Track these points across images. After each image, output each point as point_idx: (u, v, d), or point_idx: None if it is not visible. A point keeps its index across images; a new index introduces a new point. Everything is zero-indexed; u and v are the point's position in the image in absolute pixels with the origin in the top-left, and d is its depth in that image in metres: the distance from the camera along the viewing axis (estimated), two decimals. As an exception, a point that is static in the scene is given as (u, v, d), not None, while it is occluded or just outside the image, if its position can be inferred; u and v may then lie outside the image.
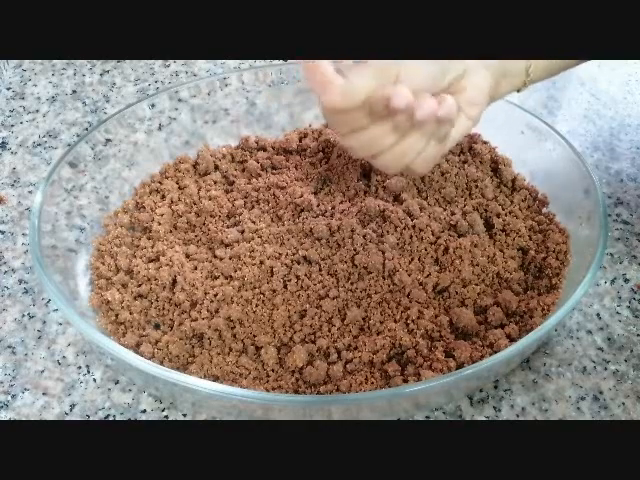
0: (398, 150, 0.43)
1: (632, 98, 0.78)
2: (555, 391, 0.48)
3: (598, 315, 0.53)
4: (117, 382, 0.48)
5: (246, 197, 0.58)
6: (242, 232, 0.54)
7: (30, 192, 0.64)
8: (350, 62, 0.42)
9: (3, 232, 0.60)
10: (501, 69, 0.47)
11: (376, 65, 0.41)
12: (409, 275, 0.50)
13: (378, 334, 0.47)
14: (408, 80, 0.41)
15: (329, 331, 0.47)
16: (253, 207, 0.57)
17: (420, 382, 0.43)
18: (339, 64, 0.41)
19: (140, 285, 0.51)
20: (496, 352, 0.45)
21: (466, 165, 0.60)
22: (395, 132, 0.42)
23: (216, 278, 0.50)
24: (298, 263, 0.50)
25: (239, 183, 0.59)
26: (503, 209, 0.57)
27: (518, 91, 0.51)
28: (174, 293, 0.50)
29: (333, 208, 0.55)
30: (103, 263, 0.53)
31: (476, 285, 0.51)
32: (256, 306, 0.48)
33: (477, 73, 0.45)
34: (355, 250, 0.51)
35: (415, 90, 0.40)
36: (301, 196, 0.56)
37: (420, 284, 0.50)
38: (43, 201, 0.51)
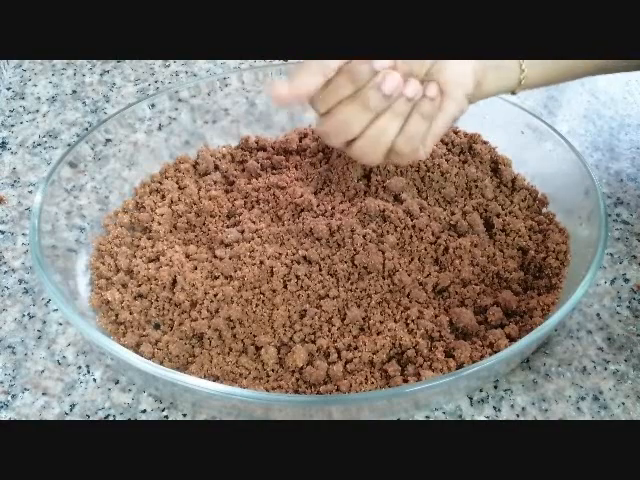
0: (372, 133, 0.43)
1: (632, 98, 0.78)
2: (555, 391, 0.48)
3: (598, 315, 0.53)
4: (117, 382, 0.48)
5: (246, 197, 0.58)
6: (242, 232, 0.54)
7: (30, 192, 0.64)
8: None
9: (3, 232, 0.60)
10: (487, 62, 0.47)
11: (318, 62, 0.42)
12: (409, 275, 0.50)
13: (378, 334, 0.47)
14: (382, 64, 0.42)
15: (329, 331, 0.47)
16: (253, 207, 0.57)
17: (420, 382, 0.43)
18: None
19: (140, 285, 0.51)
20: (496, 352, 0.45)
21: (466, 165, 0.60)
22: (366, 112, 0.42)
23: (216, 278, 0.50)
24: (298, 263, 0.50)
25: (239, 183, 0.59)
26: (503, 209, 0.57)
27: (513, 93, 0.50)
28: (174, 293, 0.50)
29: (333, 208, 0.55)
30: (103, 263, 0.53)
31: (476, 285, 0.51)
32: (256, 306, 0.48)
33: (454, 61, 0.44)
34: (355, 250, 0.51)
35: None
36: (301, 196, 0.56)
37: (420, 284, 0.50)
38: (43, 201, 0.51)
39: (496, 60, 0.47)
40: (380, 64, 0.41)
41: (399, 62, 0.42)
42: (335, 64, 0.42)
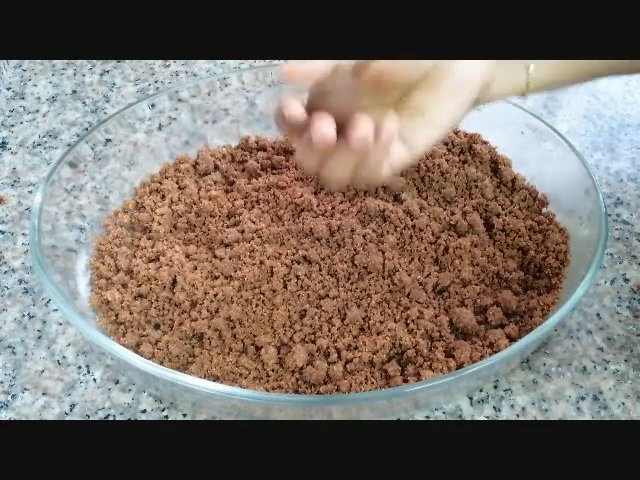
0: (327, 169, 0.41)
1: (632, 98, 0.78)
2: (555, 391, 0.48)
3: (598, 315, 0.53)
4: (117, 382, 0.48)
5: (246, 197, 0.58)
6: (242, 232, 0.54)
7: (30, 192, 0.64)
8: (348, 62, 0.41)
9: (3, 232, 0.60)
10: (496, 63, 0.44)
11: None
12: (409, 275, 0.50)
13: (378, 334, 0.47)
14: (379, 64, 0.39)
15: (329, 331, 0.47)
16: (253, 207, 0.57)
17: (420, 382, 0.43)
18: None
19: (140, 285, 0.51)
20: (496, 352, 0.45)
21: (466, 165, 0.60)
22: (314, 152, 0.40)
23: (216, 278, 0.50)
24: (298, 263, 0.50)
25: (239, 183, 0.59)
26: (503, 209, 0.57)
27: (523, 95, 0.48)
28: (174, 293, 0.50)
29: (333, 208, 0.55)
30: (103, 263, 0.53)
31: (476, 285, 0.51)
32: (256, 306, 0.48)
33: (461, 61, 0.42)
34: (355, 250, 0.51)
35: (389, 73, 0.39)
36: (301, 196, 0.56)
37: (420, 284, 0.50)
38: (43, 201, 0.51)
39: (504, 62, 0.45)
40: (293, 118, 0.38)
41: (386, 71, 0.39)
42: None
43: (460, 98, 0.43)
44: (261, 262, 0.50)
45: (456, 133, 0.63)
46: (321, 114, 0.38)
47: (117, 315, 0.49)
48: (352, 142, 0.38)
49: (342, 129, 0.39)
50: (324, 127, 0.38)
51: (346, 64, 0.40)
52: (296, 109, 0.38)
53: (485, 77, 0.44)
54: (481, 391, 0.48)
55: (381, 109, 0.42)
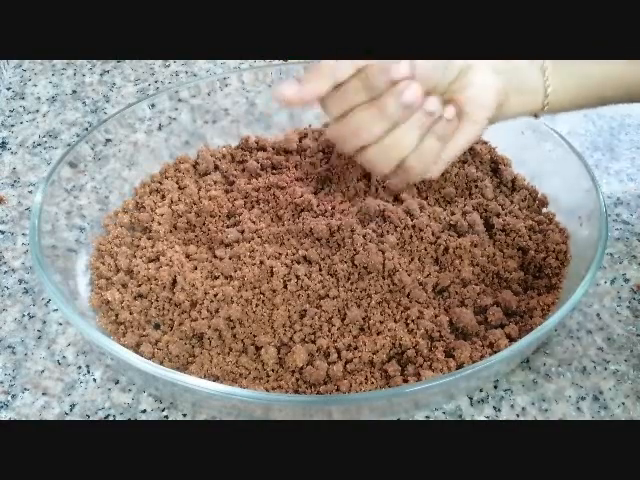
0: (387, 142, 0.42)
1: (632, 98, 0.78)
2: (555, 391, 0.48)
3: (598, 315, 0.53)
4: (117, 382, 0.48)
5: (246, 197, 0.58)
6: (242, 232, 0.54)
7: (30, 192, 0.64)
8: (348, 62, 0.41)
9: (3, 232, 0.60)
10: (514, 80, 0.45)
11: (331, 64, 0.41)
12: (409, 275, 0.50)
13: (378, 334, 0.47)
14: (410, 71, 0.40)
15: (329, 331, 0.47)
16: (253, 207, 0.57)
17: (420, 382, 0.43)
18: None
19: (140, 285, 0.51)
20: (496, 352, 0.45)
21: (466, 165, 0.60)
22: (383, 120, 0.41)
23: (216, 278, 0.50)
24: (298, 263, 0.50)
25: (239, 183, 0.59)
26: (503, 209, 0.57)
27: (536, 116, 0.48)
28: (174, 293, 0.49)
29: (333, 208, 0.55)
30: (103, 263, 0.53)
31: (476, 285, 0.51)
32: (256, 306, 0.48)
33: (484, 73, 0.43)
34: (355, 250, 0.51)
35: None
36: (301, 196, 0.56)
37: (420, 284, 0.50)
38: (43, 201, 0.51)
39: (516, 76, 0.45)
40: (399, 73, 0.39)
41: (418, 69, 0.40)
42: (348, 67, 0.40)
43: (477, 118, 0.44)
44: (261, 262, 0.50)
45: (456, 133, 0.63)
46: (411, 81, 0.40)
47: (117, 315, 0.49)
48: (405, 99, 0.39)
49: None
50: (417, 85, 0.39)
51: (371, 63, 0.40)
52: (404, 65, 0.40)
53: (500, 98, 0.44)
54: (481, 391, 0.48)
55: None
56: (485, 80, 0.43)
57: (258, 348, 0.47)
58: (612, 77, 0.47)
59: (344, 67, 0.40)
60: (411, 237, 0.52)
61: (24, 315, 0.53)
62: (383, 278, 0.50)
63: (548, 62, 0.45)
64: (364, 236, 0.52)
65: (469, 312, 0.48)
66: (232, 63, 0.83)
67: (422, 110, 0.41)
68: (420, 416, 0.47)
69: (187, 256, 0.53)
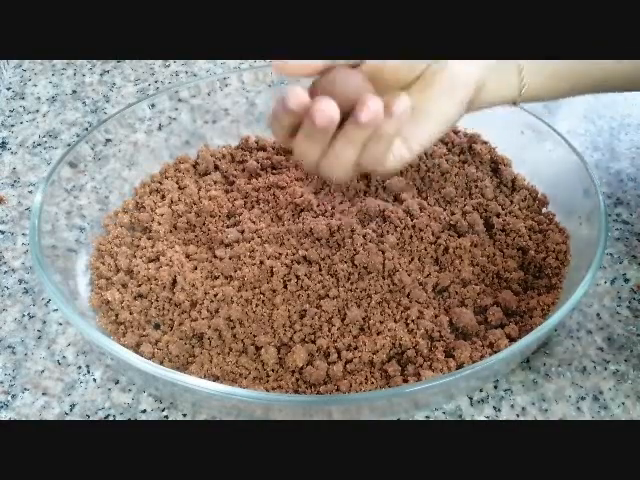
0: (328, 159, 0.40)
1: (632, 98, 0.77)
2: (555, 391, 0.48)
3: (598, 315, 0.53)
4: (117, 382, 0.48)
5: (246, 197, 0.58)
6: (242, 232, 0.54)
7: (30, 192, 0.64)
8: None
9: (3, 232, 0.60)
10: (488, 63, 0.44)
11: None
12: (409, 275, 0.50)
13: (378, 334, 0.47)
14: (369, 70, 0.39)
15: (329, 331, 0.47)
16: (253, 207, 0.57)
17: (420, 382, 0.43)
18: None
19: (140, 285, 0.51)
20: (496, 352, 0.45)
21: (466, 165, 0.60)
22: (314, 142, 0.40)
23: (216, 278, 0.50)
24: (298, 263, 0.50)
25: (239, 183, 0.59)
26: (503, 209, 0.57)
27: (515, 104, 0.48)
28: (174, 293, 0.50)
29: (333, 208, 0.55)
30: (103, 263, 0.53)
31: (476, 285, 0.51)
32: (256, 306, 0.48)
33: (461, 61, 0.42)
34: (355, 250, 0.51)
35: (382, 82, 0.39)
36: (301, 196, 0.56)
37: (420, 284, 0.50)
38: (43, 201, 0.51)
39: (497, 66, 0.45)
40: (292, 104, 0.38)
41: (337, 81, 0.39)
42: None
43: (455, 98, 0.43)
44: (261, 262, 0.50)
45: (456, 133, 0.63)
46: (322, 97, 0.38)
47: (117, 315, 0.49)
48: (361, 118, 0.37)
49: (342, 120, 0.39)
50: (325, 106, 0.37)
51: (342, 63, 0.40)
52: (300, 92, 0.38)
53: (478, 78, 0.44)
54: (481, 391, 0.48)
55: None
56: (462, 64, 0.42)
57: (258, 348, 0.47)
58: (578, 71, 0.48)
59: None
60: (411, 237, 0.52)
61: (24, 315, 0.53)
62: (383, 278, 0.50)
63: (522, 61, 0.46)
64: (364, 236, 0.52)
65: (469, 312, 0.48)
66: (232, 63, 0.83)
67: (352, 123, 0.38)
68: (420, 416, 0.47)
69: (187, 256, 0.53)
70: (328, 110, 0.37)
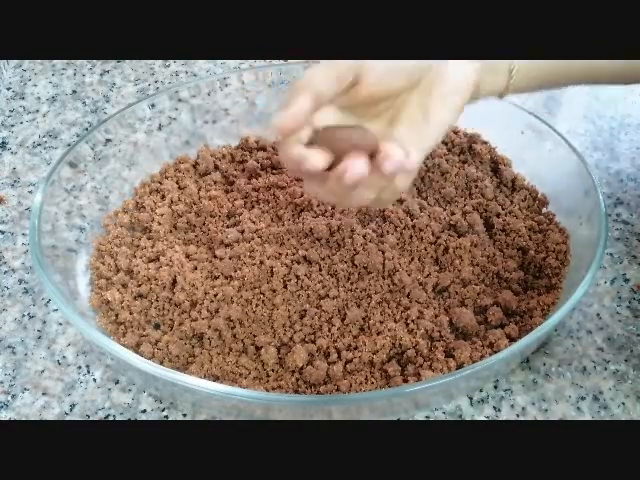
0: (347, 197, 0.41)
1: (632, 98, 0.78)
2: (555, 391, 0.48)
3: (598, 315, 0.53)
4: (117, 382, 0.48)
5: (246, 197, 0.58)
6: (242, 232, 0.54)
7: (30, 192, 0.64)
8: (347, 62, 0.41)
9: (3, 232, 0.60)
10: (485, 63, 0.45)
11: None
12: (409, 275, 0.50)
13: (378, 334, 0.47)
14: (367, 76, 0.40)
15: (329, 331, 0.47)
16: (253, 207, 0.57)
17: (420, 382, 0.43)
18: None
19: (140, 285, 0.51)
20: (496, 352, 0.45)
21: (466, 165, 0.60)
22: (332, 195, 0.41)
23: (216, 278, 0.50)
24: (298, 263, 0.50)
25: (239, 183, 0.59)
26: (503, 209, 0.57)
27: (500, 97, 0.48)
28: (174, 293, 0.50)
29: (333, 208, 0.55)
30: (103, 263, 0.53)
31: (476, 285, 0.51)
32: (256, 306, 0.48)
33: (456, 62, 0.42)
34: (355, 250, 0.51)
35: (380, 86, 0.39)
36: (301, 196, 0.56)
37: (420, 284, 0.50)
38: (43, 201, 0.51)
39: (488, 62, 0.45)
40: (316, 165, 0.38)
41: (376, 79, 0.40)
42: (324, 73, 0.39)
43: (452, 104, 0.43)
44: (261, 262, 0.50)
45: (456, 133, 0.63)
46: (353, 156, 0.38)
47: (117, 315, 0.49)
48: (386, 167, 0.38)
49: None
50: (357, 165, 0.38)
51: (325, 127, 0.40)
52: (318, 161, 0.38)
53: (476, 79, 0.44)
54: (481, 391, 0.48)
55: (377, 119, 0.43)
56: (462, 66, 0.43)
57: (258, 348, 0.47)
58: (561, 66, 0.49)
59: (319, 74, 0.39)
60: (411, 237, 0.52)
61: (24, 315, 0.53)
62: (383, 278, 0.50)
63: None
64: (364, 236, 0.52)
65: (469, 312, 0.48)
66: (232, 63, 0.83)
67: (375, 172, 0.39)
68: (420, 416, 0.47)
69: (187, 256, 0.53)
70: (360, 167, 0.38)
